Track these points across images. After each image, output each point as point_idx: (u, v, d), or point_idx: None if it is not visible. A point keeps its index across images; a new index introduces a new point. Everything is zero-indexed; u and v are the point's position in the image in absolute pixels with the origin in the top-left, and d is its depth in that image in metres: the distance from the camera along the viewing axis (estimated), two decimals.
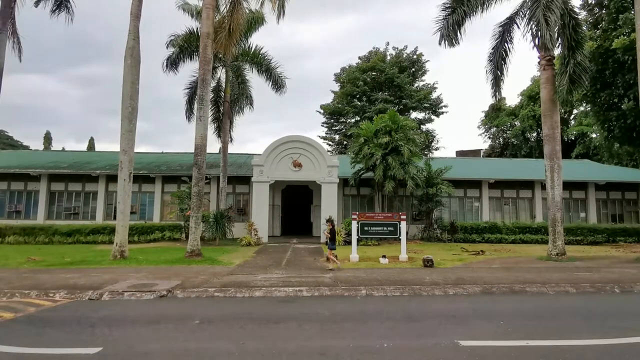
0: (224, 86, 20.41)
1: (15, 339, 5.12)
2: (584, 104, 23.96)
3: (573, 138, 34.78)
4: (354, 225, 12.80)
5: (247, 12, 16.93)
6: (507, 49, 14.77)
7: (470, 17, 14.38)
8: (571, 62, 12.97)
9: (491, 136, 42.74)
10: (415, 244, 17.53)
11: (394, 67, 33.55)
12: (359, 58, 36.82)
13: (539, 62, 14.16)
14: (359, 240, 13.30)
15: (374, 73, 33.84)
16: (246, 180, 20.90)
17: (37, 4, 14.60)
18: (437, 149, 35.52)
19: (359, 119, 32.79)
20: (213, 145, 24.57)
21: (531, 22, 12.82)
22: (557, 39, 13.62)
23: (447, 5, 14.44)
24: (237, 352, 4.65)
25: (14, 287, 8.16)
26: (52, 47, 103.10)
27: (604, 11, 16.97)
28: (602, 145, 26.22)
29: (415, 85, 35.16)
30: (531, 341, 5.06)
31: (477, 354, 4.58)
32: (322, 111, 37.08)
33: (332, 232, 11.26)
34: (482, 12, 14.45)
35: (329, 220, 11.68)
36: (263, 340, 5.11)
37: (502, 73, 14.93)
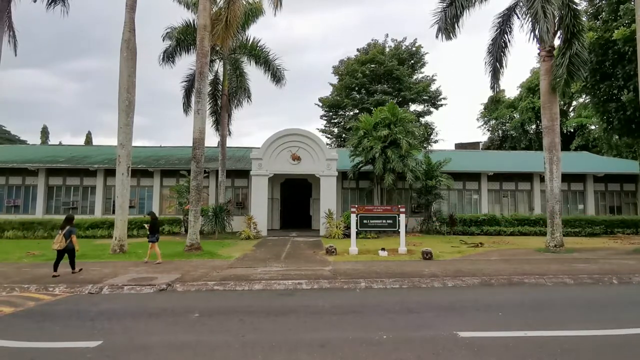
0: (221, 79, 20.25)
1: (16, 333, 5.14)
2: (584, 96, 23.87)
3: (572, 130, 34.69)
4: (353, 218, 12.80)
5: (245, 3, 16.76)
6: (507, 41, 14.68)
7: (468, 9, 14.25)
8: (568, 53, 12.88)
9: (490, 128, 42.58)
10: (414, 237, 17.58)
11: (392, 59, 33.28)
12: (358, 50, 36.49)
13: (538, 54, 14.09)
14: (358, 233, 13.32)
15: (372, 65, 33.57)
16: (245, 173, 20.86)
17: None
18: (436, 141, 35.35)
19: (357, 111, 32.63)
20: (211, 139, 24.55)
21: (529, 14, 12.72)
22: (557, 30, 13.52)
23: None
24: (237, 345, 4.67)
25: (13, 281, 8.18)
26: (46, 41, 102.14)
27: (604, 1, 16.81)
28: (601, 137, 26.13)
29: (414, 77, 34.92)
30: (529, 332, 5.09)
31: (475, 345, 4.61)
32: (320, 104, 36.89)
33: (153, 224, 10.85)
34: (480, 2, 14.32)
35: (150, 213, 11.47)
36: (263, 333, 5.13)
37: (501, 65, 14.85)
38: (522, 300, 7.10)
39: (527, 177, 22.24)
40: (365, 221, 12.95)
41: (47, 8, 14.37)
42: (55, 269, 8.77)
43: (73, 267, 9.02)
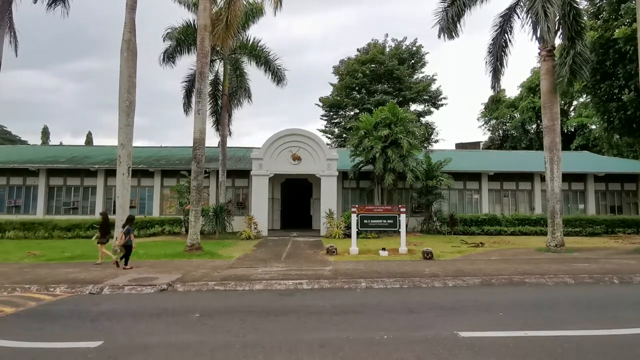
0: (222, 79, 20.26)
1: (17, 334, 5.14)
2: (584, 95, 23.86)
3: (573, 130, 34.68)
4: (354, 218, 12.80)
5: (245, 3, 16.75)
6: (507, 40, 14.66)
7: (470, 8, 14.26)
8: (571, 52, 12.87)
9: (491, 128, 42.56)
10: (414, 237, 17.58)
11: (393, 59, 33.25)
12: (358, 50, 36.45)
13: (539, 53, 14.07)
14: (358, 233, 13.32)
15: (373, 65, 33.54)
16: (245, 173, 20.87)
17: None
18: (436, 141, 35.29)
19: (358, 111, 32.61)
20: (212, 139, 24.54)
21: (530, 14, 12.71)
22: (557, 30, 13.51)
23: None
24: (238, 345, 4.67)
25: (14, 281, 8.19)
26: (47, 41, 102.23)
27: (604, 1, 16.81)
28: (602, 136, 26.15)
29: (415, 77, 34.90)
30: (530, 331, 5.09)
31: (476, 345, 4.61)
32: (321, 104, 36.88)
33: (103, 225, 10.69)
34: (482, 2, 14.31)
35: (101, 214, 11.35)
36: (263, 333, 5.14)
37: (501, 64, 14.84)
38: (522, 300, 7.10)
39: (528, 176, 22.22)
40: (365, 221, 12.95)
41: (47, 9, 14.37)
42: (126, 263, 9.84)
43: (126, 262, 9.83)
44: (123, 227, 10.35)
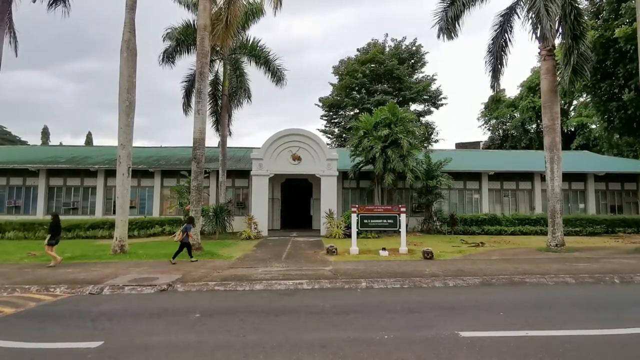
0: (222, 79, 20.24)
1: (17, 334, 5.14)
2: (584, 95, 23.86)
3: (573, 129, 34.68)
4: (354, 218, 12.80)
5: (245, 3, 16.73)
6: (507, 39, 14.64)
7: (469, 8, 14.24)
8: (575, 52, 12.85)
9: (491, 128, 42.56)
10: (415, 237, 17.57)
11: (393, 59, 33.25)
12: (358, 50, 36.47)
13: (539, 53, 14.06)
14: (358, 233, 13.31)
15: (372, 65, 33.54)
16: (245, 173, 20.86)
17: None
18: (436, 141, 35.29)
19: (358, 111, 32.60)
20: (212, 139, 24.60)
21: (531, 12, 12.70)
22: (558, 29, 13.50)
23: None
24: (238, 345, 4.66)
25: (14, 282, 8.18)
26: (46, 42, 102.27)
27: (604, 0, 16.81)
28: (602, 136, 26.16)
29: (415, 76, 34.89)
30: (530, 331, 5.08)
31: (476, 345, 4.60)
32: (321, 104, 36.87)
33: (53, 227, 10.49)
34: (481, 2, 14.30)
35: (52, 214, 11.02)
36: (264, 333, 5.13)
37: (501, 64, 14.82)
38: (523, 299, 7.09)
39: (528, 176, 22.21)
40: (365, 221, 12.94)
41: (48, 9, 14.36)
42: (190, 255, 10.79)
43: (190, 255, 10.81)
44: (182, 224, 11.58)
